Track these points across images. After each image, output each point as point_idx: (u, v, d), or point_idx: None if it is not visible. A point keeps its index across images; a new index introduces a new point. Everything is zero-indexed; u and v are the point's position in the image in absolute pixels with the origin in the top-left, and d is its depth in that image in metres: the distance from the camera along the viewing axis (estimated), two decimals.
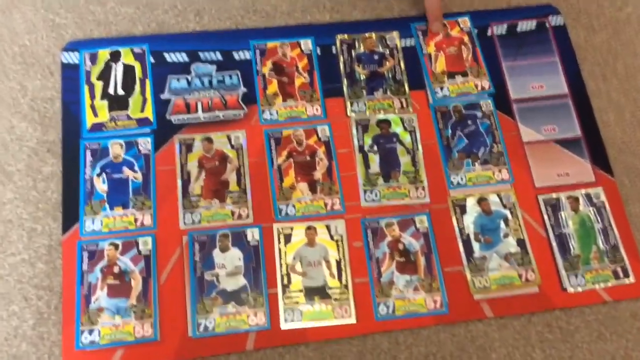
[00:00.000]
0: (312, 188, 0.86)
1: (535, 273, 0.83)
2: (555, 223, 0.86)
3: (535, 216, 0.87)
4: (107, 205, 0.83)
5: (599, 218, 0.87)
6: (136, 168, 0.85)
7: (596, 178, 0.90)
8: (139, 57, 0.92)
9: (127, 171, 0.85)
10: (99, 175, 0.85)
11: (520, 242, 0.85)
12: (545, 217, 0.87)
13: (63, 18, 0.95)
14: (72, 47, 0.92)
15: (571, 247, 0.85)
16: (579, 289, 0.83)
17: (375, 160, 0.89)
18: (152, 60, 0.92)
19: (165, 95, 0.90)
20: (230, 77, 0.92)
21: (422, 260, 0.83)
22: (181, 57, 0.93)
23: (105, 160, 0.85)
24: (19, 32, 0.93)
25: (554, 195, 0.88)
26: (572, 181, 0.89)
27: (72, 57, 0.91)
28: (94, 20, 0.95)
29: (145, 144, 0.87)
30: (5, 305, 0.79)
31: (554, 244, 0.85)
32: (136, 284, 0.79)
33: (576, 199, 0.88)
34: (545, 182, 0.89)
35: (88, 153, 0.85)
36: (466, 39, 0.97)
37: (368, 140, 0.90)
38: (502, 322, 0.82)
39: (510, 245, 0.85)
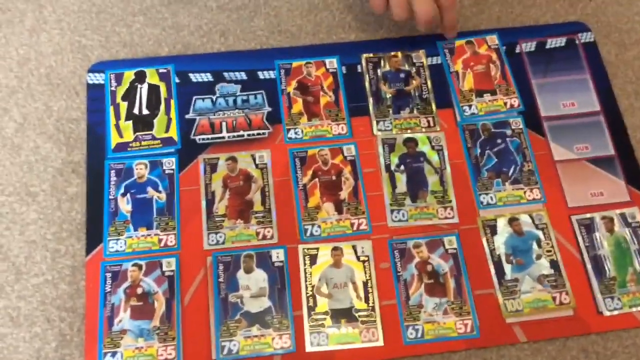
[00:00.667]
0: (338, 208, 0.85)
1: (570, 296, 0.80)
2: (589, 244, 0.83)
3: (568, 237, 0.84)
4: (131, 226, 0.82)
5: (635, 239, 0.84)
6: (160, 188, 0.85)
7: (631, 197, 0.87)
8: (164, 77, 0.92)
9: (151, 191, 0.85)
10: (123, 195, 0.84)
11: (554, 264, 0.82)
12: (579, 238, 0.84)
13: (89, 39, 0.95)
14: (97, 68, 0.92)
15: (606, 269, 0.82)
16: (616, 313, 0.80)
17: (402, 179, 0.87)
18: (177, 80, 0.92)
19: (190, 115, 0.90)
20: (255, 96, 0.92)
21: (451, 283, 0.81)
22: (206, 77, 0.92)
23: (130, 180, 0.85)
24: (45, 53, 0.94)
25: (588, 215, 0.85)
26: (607, 201, 0.86)
27: (98, 78, 0.92)
28: (119, 42, 0.95)
29: (169, 163, 0.86)
30: (28, 326, 0.78)
31: (589, 266, 0.82)
32: (159, 305, 0.78)
33: (611, 220, 0.85)
34: (578, 202, 0.86)
35: (112, 173, 0.85)
36: (494, 56, 0.95)
37: (395, 160, 0.88)
38: (535, 346, 0.79)
39: (543, 267, 0.82)
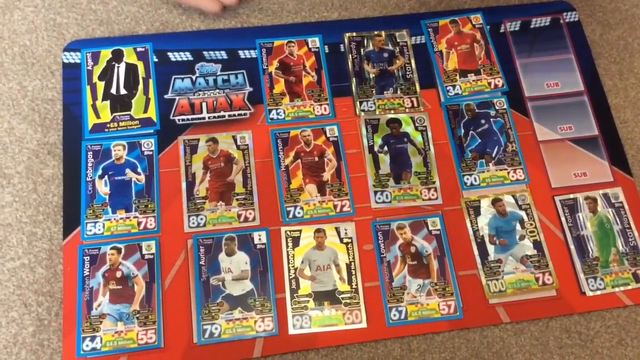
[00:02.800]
0: (321, 189, 0.84)
1: (553, 276, 0.80)
2: (572, 225, 0.83)
3: (552, 218, 0.84)
4: (109, 209, 0.81)
5: (617, 219, 0.84)
6: (139, 170, 0.83)
7: (614, 178, 0.87)
8: (141, 56, 0.90)
9: (130, 173, 0.83)
10: (100, 177, 0.82)
11: (537, 245, 0.82)
12: (563, 218, 0.84)
13: (64, 17, 0.92)
14: (73, 46, 0.90)
15: (590, 249, 0.82)
16: (598, 293, 0.80)
17: (385, 160, 0.86)
18: (155, 59, 0.90)
19: (169, 95, 0.88)
20: (236, 76, 0.90)
21: (435, 264, 0.80)
22: (185, 56, 0.90)
23: (107, 161, 0.83)
24: (19, 31, 0.91)
25: (571, 196, 0.85)
26: (590, 181, 0.86)
27: (74, 57, 0.89)
28: (96, 20, 0.93)
29: (148, 145, 0.84)
30: (5, 311, 0.76)
31: (572, 246, 0.82)
32: (139, 289, 0.77)
33: (594, 200, 0.85)
34: (561, 182, 0.86)
35: (90, 154, 0.83)
36: (478, 35, 0.94)
37: (378, 141, 0.87)
38: (518, 327, 0.79)
39: (526, 247, 0.82)
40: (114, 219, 0.80)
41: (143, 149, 0.84)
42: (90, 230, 0.79)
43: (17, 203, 0.81)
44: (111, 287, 0.77)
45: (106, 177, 0.82)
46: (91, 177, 0.82)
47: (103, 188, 0.82)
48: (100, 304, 0.76)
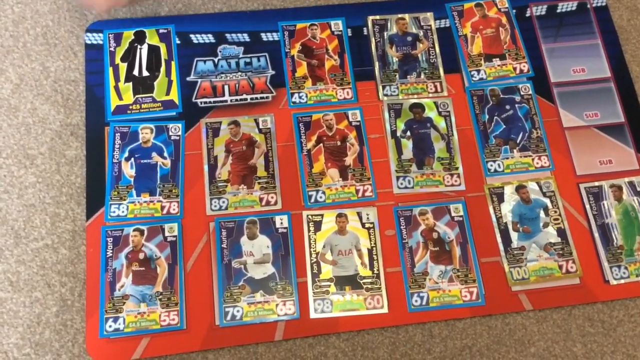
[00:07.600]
0: (343, 174, 0.83)
1: (576, 264, 0.80)
2: (597, 212, 0.83)
3: (576, 205, 0.83)
4: (133, 191, 0.81)
5: None
6: (165, 154, 0.83)
7: None
8: (164, 37, 0.89)
9: (156, 157, 0.83)
10: (127, 159, 0.82)
11: (561, 232, 0.81)
12: (587, 206, 0.83)
13: None
14: (96, 27, 0.90)
15: (614, 237, 0.81)
16: (622, 281, 0.79)
17: (408, 146, 0.85)
18: (177, 41, 0.89)
19: (191, 78, 0.87)
20: (258, 59, 0.89)
21: (457, 250, 0.80)
22: (207, 38, 0.90)
23: (134, 144, 0.83)
24: (41, 12, 0.91)
25: (596, 183, 0.84)
26: (615, 169, 0.85)
27: (96, 38, 0.89)
28: None
29: (175, 129, 0.84)
30: (28, 291, 0.77)
31: (596, 234, 0.81)
32: (162, 270, 0.77)
33: (619, 188, 0.84)
34: (587, 169, 0.85)
35: (117, 136, 0.83)
36: (504, 19, 0.93)
37: (401, 125, 0.86)
38: (541, 314, 0.78)
39: (550, 235, 0.81)
40: (138, 201, 0.80)
41: (170, 133, 0.84)
42: (114, 212, 0.79)
43: (41, 184, 0.81)
44: (134, 269, 0.77)
45: (132, 159, 0.82)
46: (117, 159, 0.82)
47: (129, 170, 0.82)
48: (123, 285, 0.76)
